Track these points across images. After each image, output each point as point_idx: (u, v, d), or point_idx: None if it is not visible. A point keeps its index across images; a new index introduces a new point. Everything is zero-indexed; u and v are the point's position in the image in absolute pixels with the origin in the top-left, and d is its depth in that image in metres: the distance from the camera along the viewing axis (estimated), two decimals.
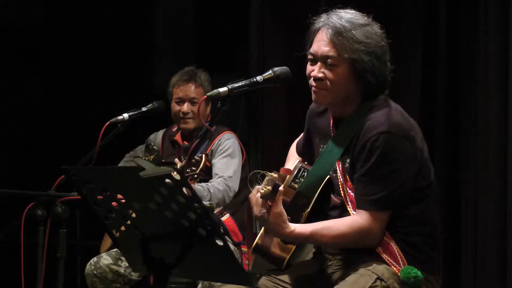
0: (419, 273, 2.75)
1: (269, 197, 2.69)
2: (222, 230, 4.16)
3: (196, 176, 3.95)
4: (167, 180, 2.35)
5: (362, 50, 2.77)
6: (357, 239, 2.77)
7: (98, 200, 2.56)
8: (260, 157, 5.21)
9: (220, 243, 2.44)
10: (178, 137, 4.54)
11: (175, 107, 4.48)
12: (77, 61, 5.83)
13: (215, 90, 2.80)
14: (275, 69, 2.88)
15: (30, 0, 6.00)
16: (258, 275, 2.98)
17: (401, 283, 2.76)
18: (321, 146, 2.94)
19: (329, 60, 2.80)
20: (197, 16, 6.10)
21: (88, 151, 3.81)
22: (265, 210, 2.70)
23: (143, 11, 6.05)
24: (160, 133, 4.67)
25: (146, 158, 4.33)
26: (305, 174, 2.94)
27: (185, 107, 4.45)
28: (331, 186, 2.91)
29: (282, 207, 2.71)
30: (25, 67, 5.78)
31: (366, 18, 2.84)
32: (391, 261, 2.78)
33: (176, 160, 4.20)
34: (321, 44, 2.81)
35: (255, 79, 2.85)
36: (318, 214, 2.87)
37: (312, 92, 2.86)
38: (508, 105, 4.27)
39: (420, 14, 4.68)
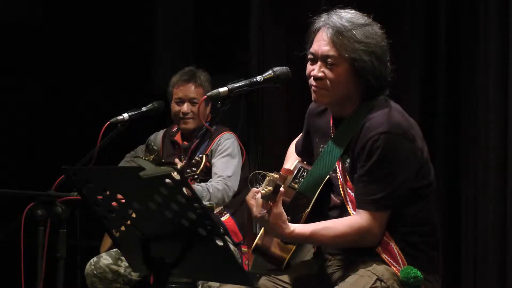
0: (418, 273, 2.75)
1: (270, 197, 2.68)
2: (222, 230, 4.16)
3: (196, 176, 3.95)
4: (167, 180, 2.35)
5: (362, 49, 2.77)
6: (357, 239, 2.77)
7: (98, 200, 2.56)
8: (260, 157, 5.22)
9: (220, 243, 2.44)
10: (178, 137, 4.54)
11: (175, 107, 4.48)
12: (77, 61, 5.84)
13: (215, 90, 2.80)
14: (275, 69, 2.88)
15: (30, 0, 6.00)
16: (258, 275, 2.98)
17: (401, 283, 2.76)
18: (321, 146, 2.94)
19: (329, 60, 2.80)
20: (197, 16, 6.10)
21: (88, 151, 3.81)
22: (265, 211, 2.70)
23: (143, 11, 6.05)
24: (160, 133, 4.67)
25: (146, 158, 4.33)
26: (305, 174, 2.94)
27: (185, 107, 4.45)
28: (331, 186, 2.91)
29: (282, 207, 2.71)
30: (25, 67, 5.78)
31: (366, 18, 2.84)
32: (391, 261, 2.78)
33: (177, 160, 4.20)
34: (321, 43, 2.81)
35: (255, 79, 2.85)
36: (318, 214, 2.87)
37: (312, 91, 2.86)
38: (508, 105, 4.27)
39: (420, 14, 4.67)
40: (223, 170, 4.30)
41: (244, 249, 4.31)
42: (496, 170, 4.32)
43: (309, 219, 2.84)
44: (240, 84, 2.82)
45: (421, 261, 2.81)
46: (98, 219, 2.61)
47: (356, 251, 2.82)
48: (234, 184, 4.30)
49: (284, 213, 2.72)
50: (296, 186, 2.91)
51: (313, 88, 2.85)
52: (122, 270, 4.22)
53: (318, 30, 2.84)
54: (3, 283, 5.41)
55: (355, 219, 2.77)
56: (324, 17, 2.84)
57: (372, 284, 2.74)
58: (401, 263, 2.78)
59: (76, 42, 5.84)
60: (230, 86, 2.81)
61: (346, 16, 2.82)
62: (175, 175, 2.33)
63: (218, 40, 5.82)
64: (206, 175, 4.29)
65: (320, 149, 2.94)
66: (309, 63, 2.86)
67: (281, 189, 2.69)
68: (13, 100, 5.79)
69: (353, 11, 2.85)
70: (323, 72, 2.81)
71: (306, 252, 3.02)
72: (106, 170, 2.61)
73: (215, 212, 4.27)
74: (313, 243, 2.93)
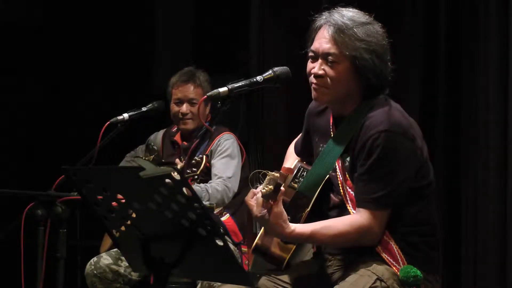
0: (418, 272, 2.75)
1: (271, 196, 2.68)
2: (222, 230, 4.16)
3: (196, 177, 3.95)
4: (167, 180, 2.35)
5: (363, 48, 2.77)
6: (357, 238, 2.76)
7: (98, 200, 2.56)
8: (260, 157, 5.21)
9: (220, 243, 2.44)
10: (177, 138, 4.54)
11: (174, 107, 4.48)
12: (77, 61, 5.84)
13: (215, 90, 2.80)
14: (275, 69, 2.87)
15: (30, 0, 6.00)
16: (258, 275, 2.98)
17: (400, 282, 2.76)
18: (321, 145, 2.94)
19: (330, 57, 2.80)
20: (197, 16, 6.10)
21: (88, 151, 3.81)
22: (265, 210, 2.70)
23: (143, 11, 6.05)
24: (160, 133, 4.67)
25: (146, 158, 4.33)
26: (305, 174, 2.94)
27: (184, 107, 4.45)
28: (331, 186, 2.91)
29: (282, 206, 2.71)
30: (25, 67, 5.78)
31: (367, 16, 2.85)
32: (391, 260, 2.78)
33: (177, 160, 4.20)
34: (322, 41, 2.82)
35: (255, 79, 2.85)
36: (318, 214, 2.87)
37: (312, 89, 2.86)
38: (508, 105, 4.27)
39: (420, 14, 4.67)
40: (223, 171, 4.30)
41: (244, 249, 4.31)
42: (496, 170, 4.32)
43: (309, 219, 2.84)
44: (240, 84, 2.82)
45: (421, 261, 2.81)
46: (98, 219, 2.61)
47: (356, 251, 2.82)
48: (234, 185, 4.30)
49: (285, 212, 2.71)
50: (296, 185, 2.91)
51: (313, 86, 2.85)
52: (122, 270, 4.22)
53: (319, 28, 2.84)
54: (3, 283, 5.41)
55: (355, 218, 2.77)
56: (325, 15, 2.85)
57: (372, 284, 2.74)
58: (401, 263, 2.78)
59: (76, 42, 5.84)
60: (230, 86, 2.81)
61: (348, 14, 2.82)
62: (175, 175, 2.33)
63: (218, 40, 5.82)
64: (206, 175, 4.29)
65: (320, 148, 2.94)
66: (309, 61, 2.86)
67: (282, 188, 2.69)
68: (13, 100, 5.79)
69: (354, 10, 2.86)
70: (323, 69, 2.82)
71: (306, 252, 3.02)
72: (106, 170, 2.61)
73: (215, 212, 4.27)
74: (314, 242, 2.92)
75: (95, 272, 4.20)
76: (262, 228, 2.86)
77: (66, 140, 5.63)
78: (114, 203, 2.55)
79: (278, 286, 2.92)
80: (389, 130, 2.74)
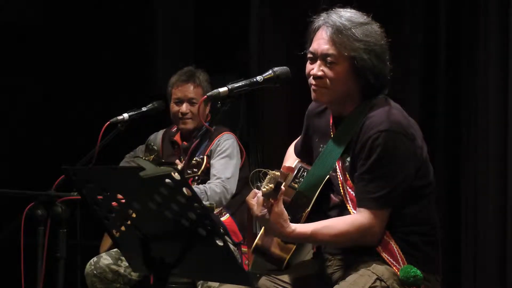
0: (418, 272, 2.75)
1: (271, 195, 2.68)
2: (222, 230, 4.16)
3: (197, 177, 3.95)
4: (167, 180, 2.35)
5: (361, 48, 2.77)
6: (358, 237, 2.77)
7: (98, 200, 2.56)
8: (260, 157, 5.22)
9: (220, 243, 2.44)
10: (177, 138, 4.54)
11: (174, 107, 4.48)
12: (77, 61, 5.84)
13: (215, 90, 2.80)
14: (275, 69, 2.88)
15: (30, 0, 6.00)
16: (258, 275, 2.98)
17: (400, 282, 2.76)
18: (321, 146, 2.94)
19: (328, 58, 2.80)
20: (197, 16, 6.10)
21: (88, 151, 3.81)
22: (266, 210, 2.70)
23: (143, 11, 6.05)
24: (160, 133, 4.66)
25: (146, 158, 4.33)
26: (305, 174, 2.94)
27: (184, 107, 4.44)
28: (331, 186, 2.91)
29: (283, 206, 2.71)
30: (25, 67, 5.78)
31: (365, 17, 2.85)
32: (391, 260, 2.78)
33: (177, 161, 4.20)
34: (321, 42, 2.82)
35: (255, 79, 2.85)
36: (318, 214, 2.87)
37: (312, 90, 2.86)
38: (508, 106, 4.27)
39: (420, 14, 4.68)
40: (221, 172, 4.29)
41: (244, 249, 4.31)
42: (496, 170, 4.32)
43: (309, 219, 2.84)
44: (240, 84, 2.82)
45: (421, 261, 2.81)
46: (98, 219, 2.61)
47: (356, 251, 2.82)
48: (233, 186, 4.30)
49: (285, 212, 2.72)
50: (296, 185, 2.91)
51: (312, 87, 2.85)
52: (122, 270, 4.22)
53: (317, 29, 2.85)
54: (3, 283, 5.41)
55: (356, 217, 2.78)
56: (323, 16, 2.85)
57: (372, 284, 2.74)
58: (401, 263, 2.78)
59: (76, 42, 5.84)
60: (230, 86, 2.81)
61: (346, 15, 2.82)
62: (175, 175, 2.33)
63: (218, 40, 5.82)
64: (206, 175, 4.29)
65: (320, 149, 2.94)
66: (308, 62, 2.86)
67: (282, 186, 2.69)
68: (13, 100, 5.79)
69: (352, 10, 2.86)
70: (322, 70, 2.82)
71: (306, 252, 3.02)
72: (106, 170, 2.61)
73: (215, 212, 4.27)
74: (314, 242, 2.92)
75: (95, 272, 4.20)
76: (262, 228, 2.86)
77: (66, 140, 5.63)
78: (114, 203, 2.55)
79: (278, 286, 2.92)
80: (389, 129, 2.74)
